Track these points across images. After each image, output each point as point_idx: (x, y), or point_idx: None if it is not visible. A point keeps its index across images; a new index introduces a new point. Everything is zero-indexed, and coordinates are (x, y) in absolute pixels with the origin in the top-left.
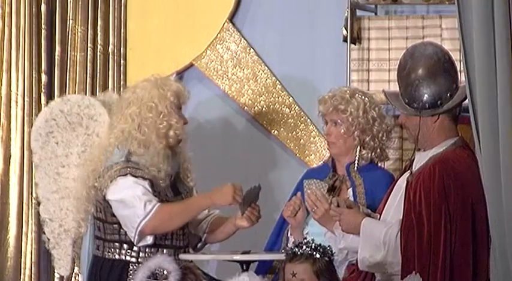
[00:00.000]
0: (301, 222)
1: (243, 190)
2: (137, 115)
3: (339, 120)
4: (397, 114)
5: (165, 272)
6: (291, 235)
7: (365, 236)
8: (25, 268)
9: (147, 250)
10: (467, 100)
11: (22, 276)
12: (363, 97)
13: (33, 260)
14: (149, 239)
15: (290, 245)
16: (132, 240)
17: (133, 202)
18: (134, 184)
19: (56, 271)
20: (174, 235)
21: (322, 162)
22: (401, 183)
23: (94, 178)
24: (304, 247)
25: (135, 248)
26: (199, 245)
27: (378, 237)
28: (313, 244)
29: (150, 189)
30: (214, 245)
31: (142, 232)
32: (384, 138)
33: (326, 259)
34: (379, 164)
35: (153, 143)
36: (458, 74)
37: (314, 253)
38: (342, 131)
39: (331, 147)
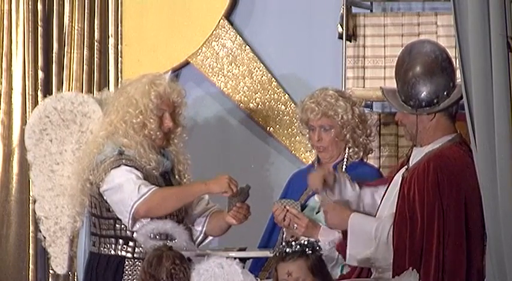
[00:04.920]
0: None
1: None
2: (122, 107)
3: (328, 126)
4: (385, 111)
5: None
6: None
7: (354, 231)
8: (27, 266)
9: (142, 245)
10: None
11: (24, 273)
12: (344, 97)
13: (31, 259)
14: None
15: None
16: (127, 225)
17: (127, 186)
18: (128, 172)
19: (53, 269)
20: None
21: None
22: (398, 179)
23: (89, 171)
24: (293, 245)
25: (130, 243)
26: (199, 238)
27: (369, 231)
28: (303, 241)
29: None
30: (212, 242)
31: (136, 214)
32: (371, 133)
33: (317, 254)
34: (365, 159)
35: (133, 137)
36: (456, 72)
37: (305, 249)
38: (333, 135)
39: (322, 152)
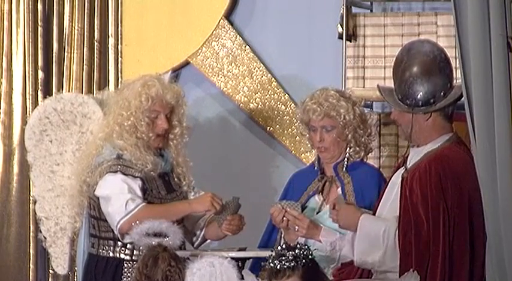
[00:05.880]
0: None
1: (222, 199)
2: (116, 109)
3: (330, 126)
4: (385, 111)
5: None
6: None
7: (362, 233)
8: (27, 266)
9: (141, 247)
10: (463, 97)
11: (24, 273)
12: (345, 97)
13: (31, 259)
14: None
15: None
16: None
17: (116, 199)
18: (122, 181)
19: (53, 269)
20: None
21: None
22: (396, 179)
23: (86, 172)
24: (283, 261)
25: (129, 246)
26: (197, 242)
27: (377, 234)
28: (292, 253)
29: (139, 188)
30: (213, 242)
31: (121, 230)
32: (371, 132)
33: (309, 263)
34: (364, 159)
35: (128, 139)
36: (454, 73)
37: (297, 262)
38: (335, 135)
39: (324, 152)
